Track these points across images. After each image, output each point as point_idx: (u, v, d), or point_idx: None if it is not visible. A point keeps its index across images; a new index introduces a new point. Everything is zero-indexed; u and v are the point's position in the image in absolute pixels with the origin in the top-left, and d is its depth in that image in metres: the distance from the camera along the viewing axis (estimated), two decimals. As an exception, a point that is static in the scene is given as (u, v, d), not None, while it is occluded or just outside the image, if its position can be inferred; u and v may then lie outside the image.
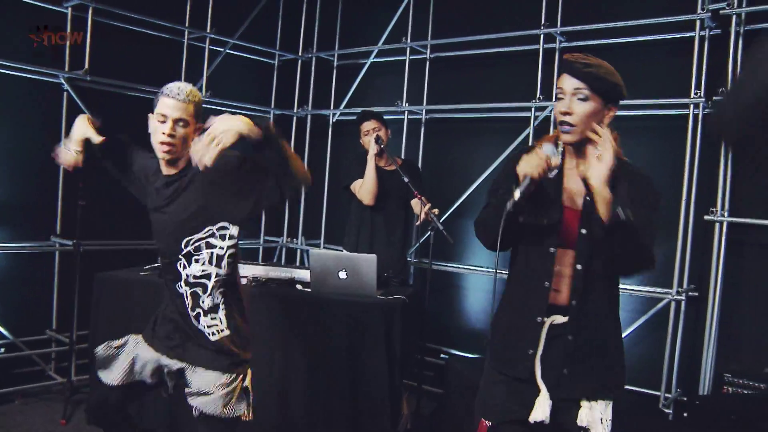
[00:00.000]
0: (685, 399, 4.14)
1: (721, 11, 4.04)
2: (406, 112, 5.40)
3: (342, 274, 3.71)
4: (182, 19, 5.22)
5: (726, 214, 4.06)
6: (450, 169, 5.40)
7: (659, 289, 4.26)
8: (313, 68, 6.10)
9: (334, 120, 6.00)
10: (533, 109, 4.75)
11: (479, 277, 5.22)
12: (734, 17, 4.04)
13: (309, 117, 6.10)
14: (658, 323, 4.30)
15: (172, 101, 2.51)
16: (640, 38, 4.49)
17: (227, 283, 2.62)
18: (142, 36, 5.03)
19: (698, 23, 4.14)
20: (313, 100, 6.12)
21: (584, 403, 2.18)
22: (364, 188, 4.37)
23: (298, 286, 3.88)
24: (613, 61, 4.40)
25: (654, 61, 4.46)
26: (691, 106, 4.13)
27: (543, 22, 4.75)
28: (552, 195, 2.18)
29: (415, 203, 4.40)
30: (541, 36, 4.75)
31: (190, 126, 2.54)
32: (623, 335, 4.17)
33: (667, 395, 4.20)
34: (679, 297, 4.16)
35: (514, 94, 4.99)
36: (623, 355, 2.29)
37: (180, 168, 2.59)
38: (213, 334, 2.60)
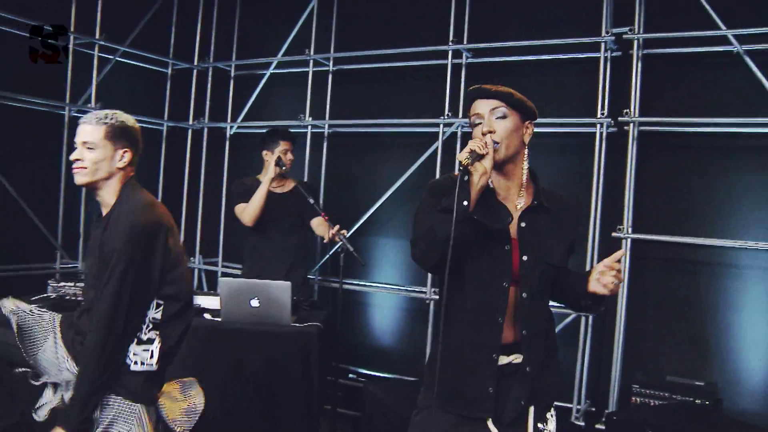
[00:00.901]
0: (593, 410, 4.22)
1: (624, 35, 4.16)
2: (310, 126, 5.24)
3: (254, 302, 3.52)
4: (67, 23, 4.81)
5: (629, 230, 4.16)
6: (354, 186, 5.29)
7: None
8: (209, 78, 5.80)
9: (232, 133, 5.74)
10: (441, 125, 4.71)
11: (385, 296, 5.13)
12: (636, 41, 4.17)
13: (205, 130, 5.80)
14: (569, 337, 4.36)
15: (81, 126, 2.51)
16: (547, 56, 4.56)
17: None
18: (23, 41, 4.58)
19: (603, 45, 4.24)
20: (210, 112, 5.82)
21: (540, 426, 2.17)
22: (249, 210, 4.17)
23: (207, 315, 3.65)
24: (522, 79, 4.49)
25: (562, 79, 4.56)
26: (598, 125, 4.22)
27: (451, 38, 4.72)
28: (495, 206, 2.14)
29: (318, 223, 4.28)
30: (450, 52, 4.73)
31: (100, 150, 2.47)
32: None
33: (578, 407, 4.27)
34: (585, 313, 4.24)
35: (421, 109, 4.95)
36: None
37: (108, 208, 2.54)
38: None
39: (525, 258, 2.13)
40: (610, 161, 4.28)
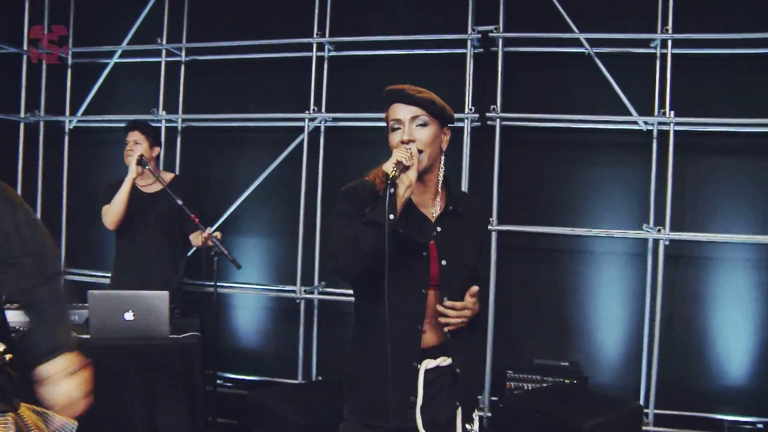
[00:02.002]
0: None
1: (490, 34, 4.30)
2: (163, 121, 4.91)
3: (128, 316, 3.23)
4: None
5: (495, 222, 4.32)
6: (212, 183, 5.02)
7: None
8: (44, 66, 5.23)
9: (71, 127, 5.23)
10: (306, 120, 4.61)
11: (248, 297, 4.95)
12: (499, 40, 4.33)
13: (41, 124, 5.23)
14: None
15: None
16: (411, 51, 4.60)
17: None
18: None
19: (468, 42, 4.35)
20: (46, 104, 5.26)
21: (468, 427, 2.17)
22: (110, 213, 3.83)
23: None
24: (386, 74, 4.50)
25: (428, 75, 4.60)
26: (465, 120, 4.33)
27: (316, 30, 4.63)
28: (408, 230, 2.06)
29: (197, 233, 4.02)
30: (314, 45, 4.63)
31: None
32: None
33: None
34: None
35: (281, 103, 4.82)
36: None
37: None
38: None
39: (444, 263, 2.11)
40: (473, 156, 4.42)
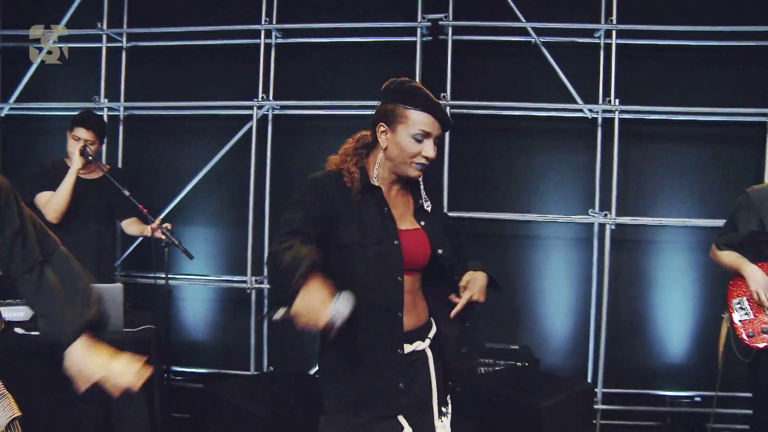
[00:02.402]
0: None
1: (439, 22, 4.33)
2: (105, 109, 4.74)
3: (81, 310, 3.12)
4: None
5: (445, 208, 4.37)
6: (156, 173, 4.88)
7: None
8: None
9: (4, 114, 4.99)
10: (255, 107, 4.53)
11: (196, 288, 4.83)
12: (450, 28, 4.37)
13: (-31, 111, 4.96)
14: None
15: None
16: (360, 39, 4.58)
17: None
18: None
19: (418, 30, 4.37)
20: (-24, 90, 5.00)
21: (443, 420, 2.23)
22: (54, 203, 3.62)
23: (18, 330, 3.18)
24: (335, 61, 4.44)
25: (377, 62, 4.61)
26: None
27: (264, 17, 4.55)
28: (380, 220, 2.12)
29: (129, 223, 3.93)
30: (262, 32, 4.55)
31: None
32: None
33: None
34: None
35: (226, 90, 4.72)
36: None
37: None
38: None
39: (441, 251, 2.18)
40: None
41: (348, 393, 2.08)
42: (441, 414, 2.23)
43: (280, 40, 4.66)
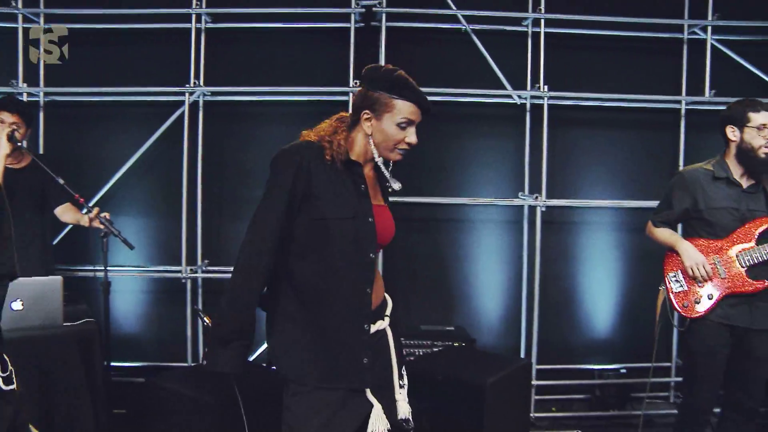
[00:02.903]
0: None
1: (373, 8, 4.35)
2: (24, 94, 4.51)
3: (16, 305, 3.00)
4: None
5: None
6: (81, 161, 4.67)
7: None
8: None
9: None
10: (187, 93, 4.42)
11: (126, 279, 4.65)
12: (383, 14, 4.39)
13: None
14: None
15: None
16: (293, 25, 4.54)
17: None
18: None
19: (352, 17, 4.37)
20: None
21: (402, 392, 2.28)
22: None
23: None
24: (266, 46, 4.37)
25: (312, 48, 4.58)
26: (351, 94, 4.37)
27: (195, 1, 4.42)
28: (357, 196, 2.16)
29: (65, 210, 3.79)
30: (192, 16, 4.43)
31: None
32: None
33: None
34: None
35: (158, 77, 4.55)
36: None
37: None
38: None
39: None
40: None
41: (315, 369, 2.10)
42: (400, 387, 2.29)
43: (210, 25, 4.55)
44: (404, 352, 4.20)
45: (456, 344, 4.24)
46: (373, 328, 2.19)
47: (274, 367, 2.18)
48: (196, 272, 4.47)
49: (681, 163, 4.60)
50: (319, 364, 2.10)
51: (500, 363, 3.76)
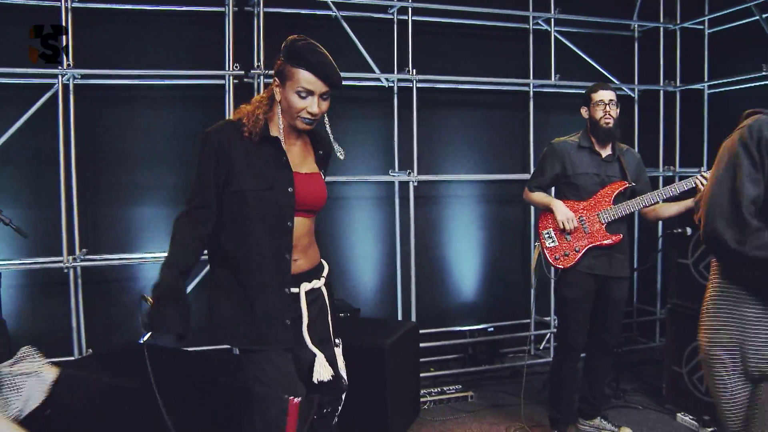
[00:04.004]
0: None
1: (251, -8, 4.45)
2: None
3: None
4: None
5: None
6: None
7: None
8: None
9: None
10: (60, 76, 4.24)
11: (6, 273, 4.36)
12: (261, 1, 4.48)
13: None
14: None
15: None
16: (170, 7, 4.49)
17: None
18: None
19: (230, 1, 4.43)
20: None
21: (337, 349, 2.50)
22: None
23: None
24: (137, 30, 4.33)
25: (187, 31, 4.57)
26: (226, 77, 4.45)
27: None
28: (276, 168, 2.29)
29: None
30: (61, -5, 4.28)
31: None
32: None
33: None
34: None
35: (23, 59, 4.32)
36: None
37: None
38: None
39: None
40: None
41: (246, 332, 2.28)
42: (336, 345, 2.51)
43: (77, 4, 4.37)
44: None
45: (342, 314, 4.48)
46: (308, 286, 2.35)
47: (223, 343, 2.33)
48: (78, 261, 4.32)
49: (531, 139, 5.13)
50: (247, 327, 2.28)
51: (391, 327, 4.07)
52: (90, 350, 4.40)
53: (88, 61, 4.38)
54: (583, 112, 3.70)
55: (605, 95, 3.62)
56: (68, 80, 4.32)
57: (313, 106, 2.25)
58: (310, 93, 2.24)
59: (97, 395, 3.19)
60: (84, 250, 4.40)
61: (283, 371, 2.27)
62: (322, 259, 2.55)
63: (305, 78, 2.22)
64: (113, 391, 3.16)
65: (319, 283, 2.43)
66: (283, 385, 2.24)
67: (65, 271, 4.29)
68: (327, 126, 2.42)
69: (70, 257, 4.28)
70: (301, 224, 2.34)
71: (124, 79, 4.47)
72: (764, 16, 4.61)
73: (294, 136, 2.39)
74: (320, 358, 2.35)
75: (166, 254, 2.27)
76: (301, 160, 2.40)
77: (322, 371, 2.34)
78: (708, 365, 2.20)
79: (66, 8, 4.30)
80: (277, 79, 2.29)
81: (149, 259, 4.47)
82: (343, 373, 2.50)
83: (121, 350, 3.82)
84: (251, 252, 2.27)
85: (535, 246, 3.75)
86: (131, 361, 3.50)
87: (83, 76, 4.37)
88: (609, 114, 3.59)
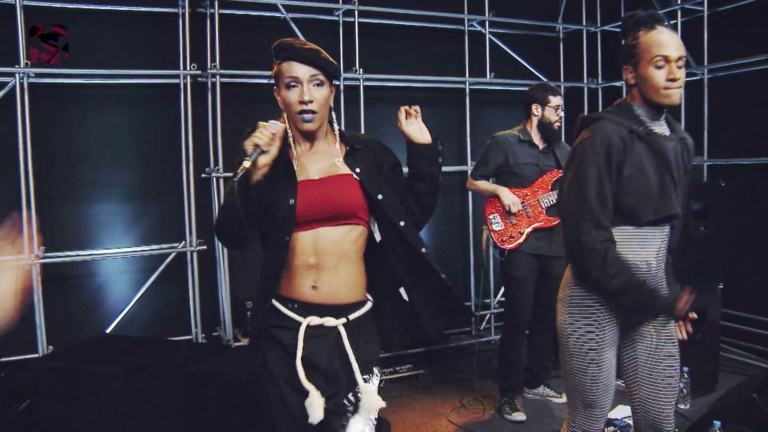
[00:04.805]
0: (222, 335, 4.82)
1: (204, -5, 4.60)
2: None
3: None
4: None
5: (221, 170, 4.71)
6: None
7: (166, 245, 4.69)
8: None
9: None
10: (17, 75, 4.25)
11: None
12: (216, 2, 4.64)
13: None
14: (174, 276, 4.76)
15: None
16: (122, 8, 4.58)
17: None
18: None
19: (183, 2, 4.59)
20: None
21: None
22: None
23: None
24: (88, 29, 4.40)
25: (141, 30, 4.66)
26: (184, 77, 4.60)
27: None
28: (286, 177, 2.12)
29: None
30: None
31: None
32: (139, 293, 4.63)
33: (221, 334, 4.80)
34: (191, 248, 4.69)
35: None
36: None
37: None
38: None
39: (380, 197, 2.15)
40: (195, 109, 4.69)
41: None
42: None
43: (27, 2, 4.39)
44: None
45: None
46: (317, 321, 2.11)
47: None
48: (44, 258, 4.35)
49: (468, 132, 5.49)
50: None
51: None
52: (51, 347, 4.44)
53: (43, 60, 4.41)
54: (534, 109, 4.08)
55: (560, 100, 4.09)
56: (23, 79, 4.36)
57: (304, 94, 2.07)
58: (298, 81, 2.09)
59: (81, 384, 3.31)
60: (42, 248, 4.45)
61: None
62: (369, 297, 2.24)
63: (288, 68, 2.09)
64: (98, 378, 3.30)
65: (333, 322, 2.13)
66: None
67: (27, 268, 4.33)
68: (334, 122, 2.25)
69: (33, 254, 4.33)
70: (322, 237, 2.13)
71: (79, 78, 4.53)
72: (672, 21, 5.13)
73: (306, 138, 2.19)
74: (313, 396, 2.07)
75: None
76: (320, 164, 2.18)
77: (313, 410, 2.07)
78: None
79: (19, 6, 4.33)
80: (275, 85, 2.18)
81: (107, 254, 4.58)
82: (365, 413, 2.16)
83: (85, 345, 3.87)
84: (264, 262, 2.20)
85: (483, 229, 4.12)
86: (102, 354, 3.64)
87: (37, 75, 4.41)
88: (559, 117, 4.04)
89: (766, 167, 4.85)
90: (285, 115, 2.18)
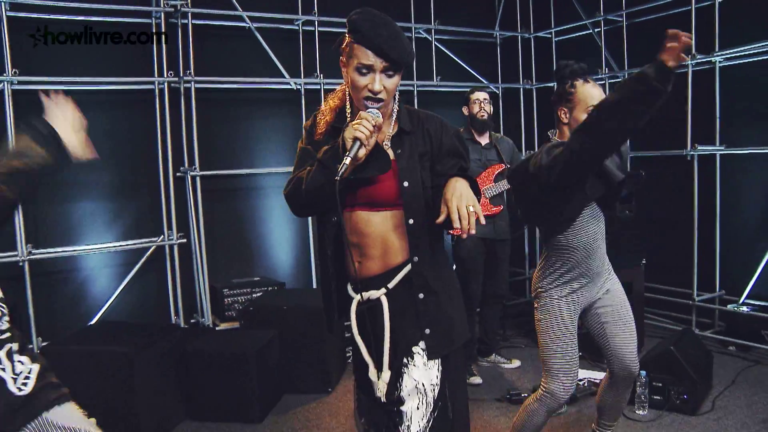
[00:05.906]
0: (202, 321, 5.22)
1: (181, 8, 4.95)
2: None
3: None
4: None
5: (197, 168, 5.12)
6: None
7: (145, 240, 5.06)
8: None
9: None
10: (6, 83, 4.50)
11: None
12: (189, 14, 5.01)
13: None
14: (153, 269, 5.13)
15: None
16: (94, 18, 4.85)
17: None
18: None
19: (153, 14, 4.96)
20: None
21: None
22: None
23: None
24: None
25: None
26: (156, 83, 4.98)
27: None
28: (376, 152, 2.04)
29: None
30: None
31: None
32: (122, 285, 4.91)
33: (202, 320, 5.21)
34: (170, 242, 5.07)
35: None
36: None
37: None
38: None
39: (406, 184, 2.09)
40: (172, 114, 5.09)
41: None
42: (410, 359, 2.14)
43: (12, 14, 4.57)
44: (229, 301, 5.06)
45: (270, 288, 5.15)
46: (365, 295, 2.12)
47: None
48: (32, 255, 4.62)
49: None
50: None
51: (311, 295, 4.84)
52: (40, 339, 4.69)
53: (24, 69, 4.63)
54: (464, 110, 4.68)
55: (480, 95, 4.65)
56: (3, 86, 4.60)
57: (374, 83, 2.00)
58: (370, 69, 2.01)
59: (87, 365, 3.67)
60: (29, 245, 4.71)
61: None
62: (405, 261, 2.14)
63: (361, 53, 2.00)
64: (104, 356, 3.68)
65: (376, 294, 2.12)
66: None
67: (20, 264, 4.59)
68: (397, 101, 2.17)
69: (26, 250, 4.58)
70: (359, 220, 2.12)
71: (61, 85, 4.77)
72: (596, 30, 5.81)
73: (383, 127, 2.13)
74: (371, 370, 2.13)
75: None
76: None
77: (376, 384, 2.12)
78: None
79: (4, 17, 4.55)
80: (342, 57, 2.10)
81: (91, 250, 4.89)
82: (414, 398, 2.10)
83: (77, 336, 4.13)
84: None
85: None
86: (106, 337, 4.00)
87: (20, 82, 4.66)
88: (483, 110, 4.60)
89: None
90: (345, 87, 2.16)
